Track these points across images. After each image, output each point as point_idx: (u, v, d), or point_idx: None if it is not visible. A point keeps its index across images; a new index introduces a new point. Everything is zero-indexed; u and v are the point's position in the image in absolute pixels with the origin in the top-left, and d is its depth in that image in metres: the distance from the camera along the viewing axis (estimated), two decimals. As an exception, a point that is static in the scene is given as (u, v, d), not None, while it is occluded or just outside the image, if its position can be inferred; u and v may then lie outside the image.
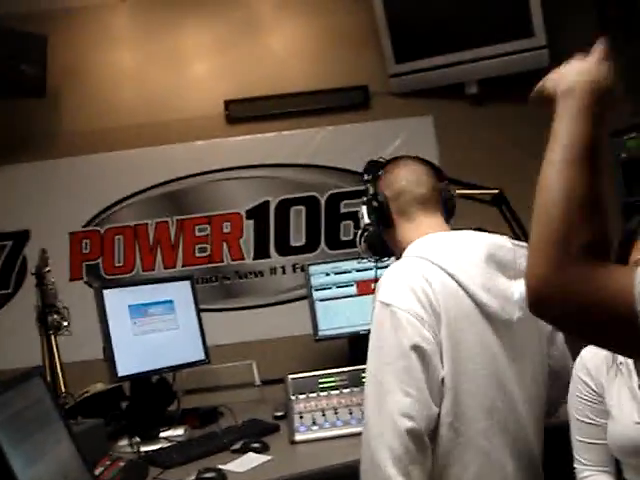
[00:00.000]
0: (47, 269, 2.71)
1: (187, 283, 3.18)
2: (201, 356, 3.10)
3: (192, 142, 3.94)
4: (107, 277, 3.84)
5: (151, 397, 2.90)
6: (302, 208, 3.94)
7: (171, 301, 3.04)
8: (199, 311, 3.19)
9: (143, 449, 2.64)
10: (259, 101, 3.92)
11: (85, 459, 1.87)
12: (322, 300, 3.34)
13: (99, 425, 2.41)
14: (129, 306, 2.81)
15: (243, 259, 3.90)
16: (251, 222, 3.92)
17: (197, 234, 3.91)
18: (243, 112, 3.93)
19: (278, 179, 3.93)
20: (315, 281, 3.36)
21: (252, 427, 2.80)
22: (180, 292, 3.11)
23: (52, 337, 2.66)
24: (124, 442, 2.72)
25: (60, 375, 2.71)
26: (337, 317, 3.31)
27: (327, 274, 3.35)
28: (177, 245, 3.89)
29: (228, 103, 3.91)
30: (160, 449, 2.64)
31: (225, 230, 3.91)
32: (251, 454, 2.48)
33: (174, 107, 3.95)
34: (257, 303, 3.87)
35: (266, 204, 3.93)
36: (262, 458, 2.45)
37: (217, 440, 2.66)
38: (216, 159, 3.93)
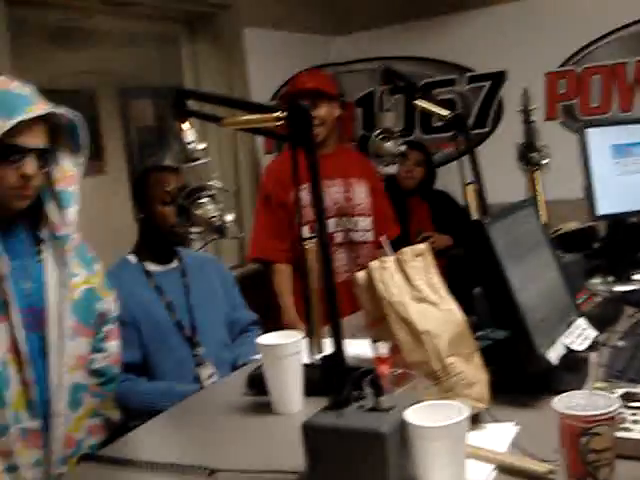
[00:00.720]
0: (533, 107, 2.78)
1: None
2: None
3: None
4: (582, 117, 3.81)
5: (626, 238, 2.88)
6: None
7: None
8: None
9: (616, 288, 2.66)
10: None
11: (568, 287, 1.97)
12: None
13: (579, 260, 2.48)
14: (611, 146, 2.76)
15: None
16: None
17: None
18: None
19: None
20: None
21: None
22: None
23: (534, 174, 2.76)
24: (597, 280, 2.77)
25: (542, 210, 2.81)
26: None
27: None
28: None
29: None
30: (634, 290, 2.63)
31: None
32: None
33: None
34: None
35: None
36: None
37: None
38: None
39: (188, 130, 1.57)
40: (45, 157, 1.66)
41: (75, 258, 1.75)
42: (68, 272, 1.71)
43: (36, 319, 1.66)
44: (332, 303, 1.25)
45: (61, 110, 1.67)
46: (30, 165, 1.61)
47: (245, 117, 1.43)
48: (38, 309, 1.67)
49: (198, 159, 1.55)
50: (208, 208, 1.57)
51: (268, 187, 3.18)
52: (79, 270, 1.76)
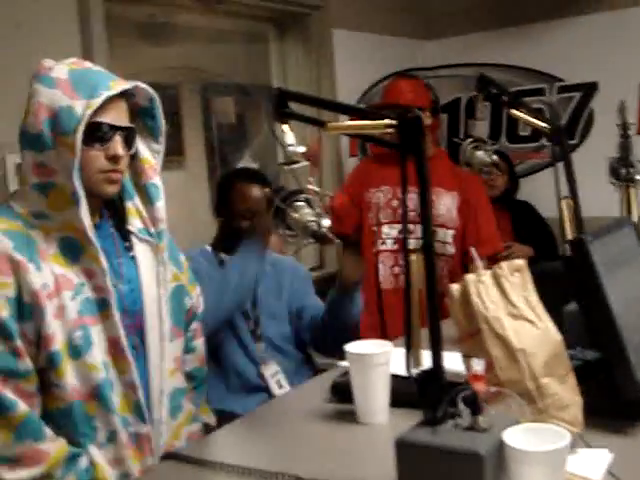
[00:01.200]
0: (631, 121, 2.70)
1: None
2: None
3: None
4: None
5: None
6: None
7: None
8: None
9: None
10: None
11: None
12: None
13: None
14: None
15: None
16: None
17: None
18: None
19: None
20: None
21: None
22: None
23: (629, 189, 2.68)
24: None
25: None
26: None
27: None
28: None
29: None
30: None
31: None
32: None
33: None
34: None
35: None
36: None
37: None
38: None
39: (288, 132, 1.55)
40: (130, 138, 1.55)
41: (166, 257, 1.67)
42: (163, 270, 1.64)
43: (132, 322, 1.58)
44: (434, 317, 1.22)
45: (143, 85, 1.56)
46: (119, 145, 1.51)
47: (352, 122, 1.42)
48: (132, 311, 1.59)
49: (297, 162, 1.53)
50: (305, 212, 1.56)
51: (348, 189, 3.22)
52: (170, 267, 1.68)
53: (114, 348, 1.52)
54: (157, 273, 1.63)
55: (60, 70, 1.50)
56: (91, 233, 1.48)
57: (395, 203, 2.98)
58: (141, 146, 1.62)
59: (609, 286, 1.58)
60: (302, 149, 1.53)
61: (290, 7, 3.47)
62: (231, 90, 5.31)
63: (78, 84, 1.46)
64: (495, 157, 2.49)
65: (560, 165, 2.28)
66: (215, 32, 4.48)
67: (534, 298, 1.55)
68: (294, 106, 1.59)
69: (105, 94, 1.45)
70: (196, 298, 1.85)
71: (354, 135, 1.54)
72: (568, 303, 1.82)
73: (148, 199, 1.64)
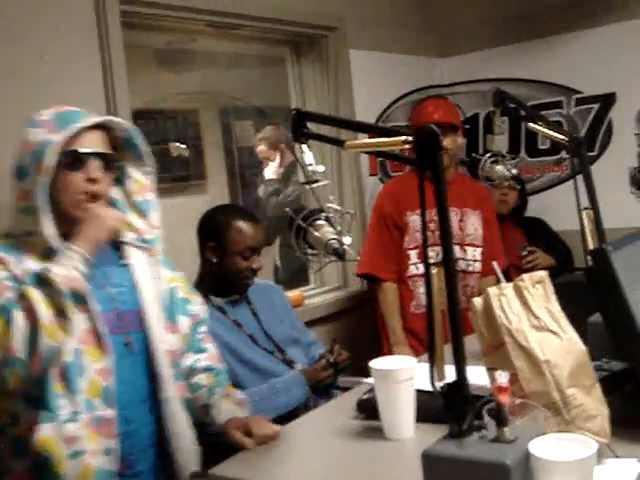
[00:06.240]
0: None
1: None
2: None
3: None
4: None
5: None
6: None
7: None
8: None
9: None
10: None
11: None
12: None
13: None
14: None
15: None
16: None
17: None
18: None
19: None
20: None
21: None
22: None
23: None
24: None
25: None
26: None
27: None
28: None
29: None
30: None
31: None
32: None
33: None
34: None
35: None
36: None
37: None
38: None
39: (307, 152, 1.58)
40: (109, 163, 1.73)
41: (161, 260, 1.86)
42: (158, 271, 1.83)
43: (120, 322, 1.73)
44: (456, 330, 1.23)
45: (116, 119, 1.78)
46: (94, 168, 1.69)
47: (370, 140, 1.43)
48: (123, 311, 1.74)
49: (317, 181, 1.55)
50: (326, 230, 1.57)
51: (384, 207, 3.23)
52: (165, 271, 1.87)
53: (91, 338, 1.65)
54: (153, 273, 1.82)
55: (47, 113, 1.71)
56: (54, 239, 1.64)
57: (432, 225, 2.95)
58: (132, 169, 1.82)
59: (632, 296, 1.57)
60: (321, 168, 1.56)
61: (306, 29, 3.50)
62: (250, 113, 5.38)
63: (58, 122, 1.67)
64: (515, 171, 2.50)
65: (580, 177, 2.28)
66: (232, 57, 4.54)
67: (557, 309, 1.55)
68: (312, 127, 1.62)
69: (78, 126, 1.66)
70: (199, 305, 1.99)
71: (372, 153, 1.55)
72: (592, 314, 1.82)
73: (142, 213, 1.83)
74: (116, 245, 1.80)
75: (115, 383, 1.66)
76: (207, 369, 1.94)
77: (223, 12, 3.07)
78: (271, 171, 4.12)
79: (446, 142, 3.08)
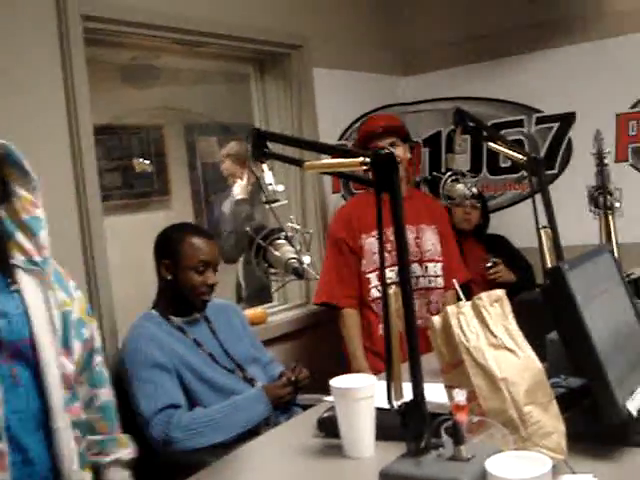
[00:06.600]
0: (607, 150, 2.75)
1: None
2: None
3: None
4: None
5: None
6: None
7: None
8: None
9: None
10: None
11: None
12: None
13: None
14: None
15: None
16: None
17: None
18: None
19: None
20: None
21: None
22: None
23: (608, 217, 2.72)
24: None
25: (616, 254, 2.77)
26: None
27: None
28: None
29: None
30: None
31: None
32: None
33: None
34: None
35: None
36: None
37: None
38: None
39: (267, 171, 1.58)
40: None
41: (53, 282, 1.75)
42: (51, 295, 1.72)
43: (6, 352, 1.64)
44: (413, 349, 1.24)
45: None
46: None
47: (328, 161, 1.44)
48: (10, 341, 1.65)
49: (277, 200, 1.56)
50: (286, 249, 1.58)
51: (338, 233, 3.21)
52: (59, 294, 1.76)
53: None
54: (45, 298, 1.71)
55: None
56: None
57: (389, 246, 2.95)
58: (16, 187, 1.73)
59: (588, 314, 1.59)
60: (281, 188, 1.56)
61: (270, 47, 3.52)
62: (215, 130, 5.38)
63: None
64: (475, 190, 2.53)
65: (539, 196, 2.32)
66: (197, 73, 4.55)
67: (514, 327, 1.57)
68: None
69: None
70: (93, 330, 1.90)
71: (331, 173, 1.56)
72: (549, 332, 1.85)
73: (30, 232, 1.73)
74: (4, 269, 1.71)
75: (5, 413, 1.60)
76: (101, 409, 1.88)
77: (187, 30, 3.07)
78: (238, 188, 4.11)
79: (399, 152, 3.09)
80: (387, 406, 1.39)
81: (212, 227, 4.76)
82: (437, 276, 3.24)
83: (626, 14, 3.80)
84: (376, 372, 3.03)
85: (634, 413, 1.53)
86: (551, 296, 1.63)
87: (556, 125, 4.02)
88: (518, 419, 1.45)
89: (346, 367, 3.15)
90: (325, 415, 1.82)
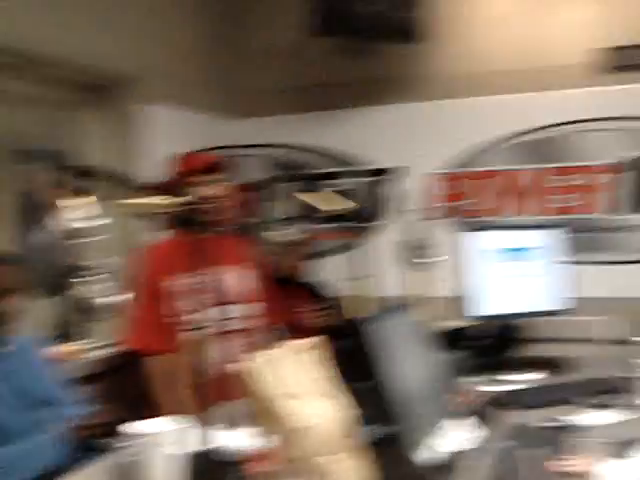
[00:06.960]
0: (419, 206, 2.88)
1: (557, 232, 3.11)
2: (561, 306, 3.06)
3: (561, 90, 3.89)
4: (470, 219, 3.95)
5: (504, 339, 2.97)
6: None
7: (538, 248, 3.01)
8: (568, 261, 3.08)
9: (489, 388, 2.72)
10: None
11: (444, 386, 2.03)
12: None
13: (457, 358, 2.56)
14: (497, 249, 2.86)
15: (611, 212, 3.81)
16: (625, 175, 3.80)
17: (559, 184, 3.89)
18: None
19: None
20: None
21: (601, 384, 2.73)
22: (548, 240, 3.06)
23: (418, 271, 2.85)
24: (475, 378, 2.82)
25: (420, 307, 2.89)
26: None
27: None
28: (539, 192, 3.91)
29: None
30: (508, 391, 2.69)
31: (590, 182, 3.83)
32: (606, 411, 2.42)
33: (544, 54, 3.91)
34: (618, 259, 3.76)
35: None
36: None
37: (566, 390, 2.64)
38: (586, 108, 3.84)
39: (70, 206, 1.52)
40: None
41: None
42: None
43: None
44: (204, 397, 1.22)
45: None
46: None
47: (137, 201, 1.41)
48: None
49: (80, 237, 1.51)
50: (91, 287, 1.53)
51: (145, 277, 2.94)
52: None
53: None
54: None
55: None
56: None
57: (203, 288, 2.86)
58: None
59: (390, 365, 1.65)
60: (81, 224, 1.51)
61: (96, 80, 3.43)
62: (39, 157, 5.15)
63: None
64: (293, 236, 2.56)
65: (356, 247, 2.39)
66: (22, 97, 4.35)
67: (325, 375, 1.59)
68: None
69: None
70: None
71: (141, 214, 1.53)
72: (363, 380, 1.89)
73: None
74: None
75: None
76: None
77: (12, 51, 2.95)
78: (55, 219, 3.94)
79: (215, 191, 2.85)
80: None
81: (29, 255, 4.51)
82: (251, 317, 3.17)
83: (444, 78, 4.04)
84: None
85: (424, 462, 1.59)
86: (358, 346, 1.68)
87: (377, 179, 4.17)
88: (322, 467, 1.46)
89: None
90: (122, 460, 1.75)
